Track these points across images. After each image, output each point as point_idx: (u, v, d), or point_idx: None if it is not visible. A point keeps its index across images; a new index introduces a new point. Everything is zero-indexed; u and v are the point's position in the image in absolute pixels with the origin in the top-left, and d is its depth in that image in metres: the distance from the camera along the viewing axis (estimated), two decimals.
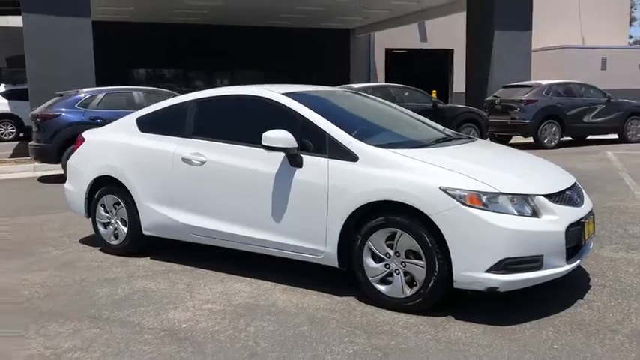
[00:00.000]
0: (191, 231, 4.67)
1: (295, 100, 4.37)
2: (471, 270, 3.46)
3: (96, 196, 5.31)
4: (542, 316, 3.61)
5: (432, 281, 3.59)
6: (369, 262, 3.83)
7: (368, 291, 3.86)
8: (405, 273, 3.71)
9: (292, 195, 4.08)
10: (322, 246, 4.00)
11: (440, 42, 27.38)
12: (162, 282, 4.46)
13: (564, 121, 14.09)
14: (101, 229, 5.33)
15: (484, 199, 3.49)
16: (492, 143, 5.46)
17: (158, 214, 4.83)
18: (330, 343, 3.31)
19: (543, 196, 3.64)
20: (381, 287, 3.80)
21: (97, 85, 12.09)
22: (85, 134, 5.60)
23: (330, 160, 3.97)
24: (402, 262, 3.71)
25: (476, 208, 3.46)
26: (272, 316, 3.72)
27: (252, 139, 4.36)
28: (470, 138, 4.90)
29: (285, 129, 4.12)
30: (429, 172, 3.67)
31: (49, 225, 6.54)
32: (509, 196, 3.54)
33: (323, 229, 3.96)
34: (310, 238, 4.04)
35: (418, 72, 27.29)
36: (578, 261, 3.81)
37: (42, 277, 4.64)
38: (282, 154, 4.13)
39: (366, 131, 4.26)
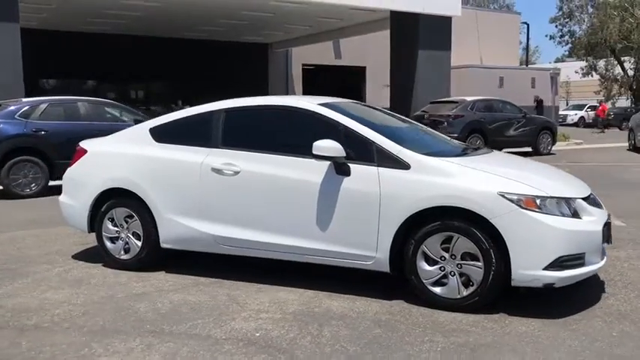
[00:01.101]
0: (221, 242, 4.62)
1: (332, 110, 4.49)
2: (530, 268, 3.74)
3: (102, 209, 5.08)
4: (581, 309, 3.96)
5: (490, 281, 3.83)
6: (422, 265, 4.01)
7: (422, 293, 4.04)
8: (461, 274, 3.93)
9: (340, 203, 4.18)
10: (372, 252, 4.12)
11: (353, 59, 28.28)
12: (199, 295, 4.38)
13: (487, 134, 15.09)
14: (108, 243, 5.11)
15: (538, 202, 3.80)
16: (508, 154, 5.82)
17: (181, 225, 4.73)
18: (413, 343, 3.44)
19: (581, 199, 4.01)
20: (436, 289, 3.99)
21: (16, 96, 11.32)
22: (85, 145, 5.35)
23: (379, 168, 4.11)
24: (458, 264, 3.92)
25: (532, 210, 3.76)
26: (338, 321, 3.80)
27: (291, 149, 4.43)
28: (482, 148, 5.23)
29: (327, 139, 4.22)
30: (482, 179, 3.93)
31: (23, 243, 6.13)
32: (557, 199, 3.87)
33: (374, 236, 4.09)
34: (359, 244, 4.16)
35: (333, 87, 27.90)
36: (606, 257, 4.21)
37: (63, 296, 4.39)
38: (327, 163, 4.23)
39: (404, 140, 4.44)
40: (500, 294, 3.93)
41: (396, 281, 4.32)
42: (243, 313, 3.98)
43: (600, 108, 33.01)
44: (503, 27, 33.71)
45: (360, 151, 4.21)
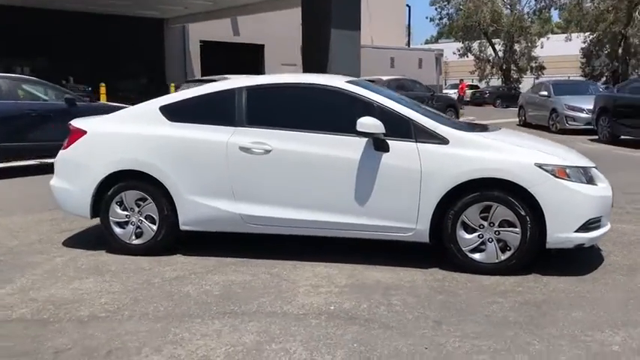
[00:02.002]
0: (249, 220, 4.60)
1: (363, 88, 4.61)
2: (564, 231, 4.15)
3: (109, 193, 4.83)
4: (595, 267, 4.45)
5: (526, 245, 4.19)
6: (462, 234, 4.29)
7: (461, 261, 4.32)
8: (498, 240, 4.26)
9: (380, 178, 4.34)
10: (413, 224, 4.34)
11: (251, 37, 28.03)
12: (239, 275, 4.35)
13: None
14: (116, 229, 4.87)
15: (568, 171, 4.21)
16: (515, 130, 6.22)
17: (204, 206, 4.64)
18: (480, 305, 3.72)
19: (594, 167, 4.49)
20: (475, 256, 4.30)
21: None
22: (83, 126, 5.01)
23: (418, 144, 4.31)
24: (496, 231, 4.25)
25: (564, 179, 4.16)
26: (397, 291, 3.98)
27: (324, 127, 4.50)
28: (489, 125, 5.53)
29: (360, 116, 4.35)
30: (519, 152, 4.28)
31: None
32: (580, 168, 4.31)
33: (415, 208, 4.31)
34: (400, 217, 4.35)
35: (232, 64, 27.51)
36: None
37: (95, 285, 4.17)
38: (364, 140, 4.36)
39: (433, 117, 4.65)
40: (535, 257, 4.30)
41: (409, 251, 4.57)
42: (300, 289, 4.03)
43: (460, 86, 35.43)
44: (391, 9, 34.95)
45: (397, 127, 4.37)
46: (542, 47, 43.02)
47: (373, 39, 33.25)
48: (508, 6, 43.43)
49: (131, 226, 4.86)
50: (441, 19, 45.93)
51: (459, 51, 45.07)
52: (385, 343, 3.17)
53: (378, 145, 4.33)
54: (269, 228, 4.64)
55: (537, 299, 3.81)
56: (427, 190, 4.26)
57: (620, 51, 38.59)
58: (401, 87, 16.27)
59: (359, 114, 4.38)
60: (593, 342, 3.17)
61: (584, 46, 41.61)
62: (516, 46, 43.00)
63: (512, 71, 43.64)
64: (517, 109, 20.28)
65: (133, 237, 4.86)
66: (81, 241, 5.36)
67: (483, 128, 4.97)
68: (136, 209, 4.83)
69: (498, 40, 44.07)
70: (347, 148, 4.40)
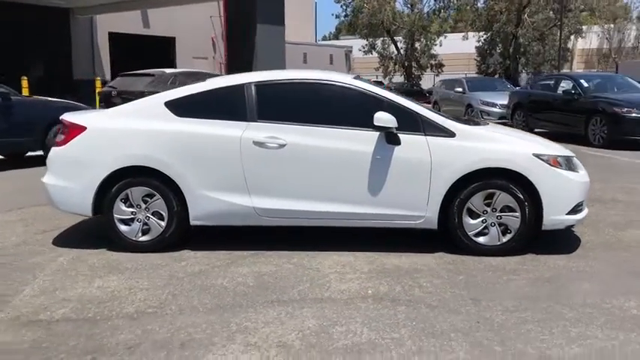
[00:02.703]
0: (263, 214, 4.71)
1: (370, 85, 4.86)
2: (557, 214, 4.63)
3: (113, 190, 4.75)
4: (577, 246, 4.98)
5: (525, 228, 4.64)
6: (467, 220, 4.67)
7: (466, 244, 4.69)
8: (500, 224, 4.67)
9: (393, 170, 4.61)
10: (423, 212, 4.65)
11: (162, 29, 27.32)
12: (262, 266, 4.46)
13: None
14: (122, 226, 4.80)
15: (559, 160, 4.69)
16: (501, 125, 6.64)
17: (216, 200, 4.69)
18: (500, 282, 4.10)
19: (574, 157, 5.02)
20: (479, 239, 4.69)
21: None
22: (80, 121, 4.87)
23: (427, 137, 4.63)
24: (498, 216, 4.66)
25: (556, 167, 4.64)
26: (419, 274, 4.27)
27: (337, 121, 4.71)
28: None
29: (370, 112, 4.61)
30: (518, 143, 4.72)
31: None
32: (566, 157, 4.81)
33: (425, 197, 4.62)
34: (411, 206, 4.65)
35: (142, 57, 26.67)
36: None
37: (121, 283, 4.12)
38: (376, 134, 4.62)
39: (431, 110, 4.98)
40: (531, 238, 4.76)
41: (409, 238, 4.90)
42: (330, 277, 4.22)
43: None
44: (300, 4, 35.31)
45: (407, 122, 4.65)
46: (440, 45, 45.20)
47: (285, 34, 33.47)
48: (409, 5, 45.20)
49: (137, 223, 4.80)
50: (346, 16, 46.99)
51: (364, 48, 46.34)
52: (439, 320, 3.44)
53: (391, 138, 4.60)
54: (283, 220, 4.77)
55: (545, 275, 4.25)
56: (437, 180, 4.59)
57: (511, 50, 41.39)
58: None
59: (369, 109, 4.63)
60: (613, 308, 3.62)
61: (478, 45, 44.24)
62: (417, 45, 44.89)
63: (413, 68, 45.50)
64: (431, 104, 21.32)
65: (140, 234, 4.81)
66: (71, 240, 5.22)
67: (476, 122, 5.38)
68: (143, 206, 4.78)
69: (401, 38, 45.81)
70: (360, 142, 4.63)
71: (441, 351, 3.06)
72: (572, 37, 42.28)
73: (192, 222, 4.78)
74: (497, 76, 42.67)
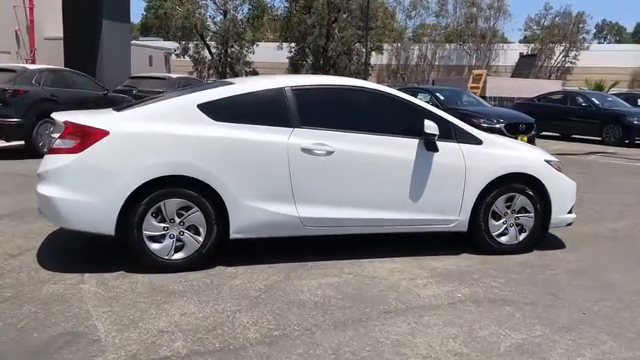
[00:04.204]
0: (308, 223, 4.54)
1: (403, 93, 4.99)
2: (561, 214, 5.21)
3: (144, 203, 4.20)
4: (561, 242, 5.64)
5: (537, 227, 5.15)
6: (492, 222, 5.03)
7: (490, 245, 5.03)
8: (517, 225, 5.12)
9: (432, 175, 4.78)
10: (456, 215, 4.90)
11: None
12: (326, 277, 4.30)
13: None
14: (152, 244, 4.26)
15: (559, 166, 5.29)
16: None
17: (261, 211, 4.41)
18: (547, 277, 4.50)
19: None
20: (501, 239, 5.08)
21: None
22: (100, 124, 4.19)
23: (460, 144, 4.90)
24: (516, 217, 5.10)
25: (559, 172, 5.23)
26: (477, 276, 4.49)
27: (378, 128, 4.76)
28: None
29: (408, 119, 4.79)
30: (531, 150, 5.21)
31: None
32: (560, 163, 5.44)
33: (459, 201, 4.88)
34: (446, 210, 4.87)
35: None
36: None
37: (193, 309, 3.68)
38: (416, 141, 4.76)
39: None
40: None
41: (420, 241, 5.16)
42: (402, 283, 4.24)
43: None
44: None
45: (441, 130, 4.83)
46: (253, 54, 45.94)
47: None
48: (222, 11, 45.14)
49: (169, 239, 4.29)
50: (157, 17, 45.28)
51: (175, 50, 45.09)
52: (553, 316, 3.69)
53: (430, 145, 4.76)
54: (328, 229, 4.65)
55: (570, 268, 4.77)
56: (470, 184, 4.86)
57: (321, 62, 43.69)
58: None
59: (407, 117, 4.77)
60: None
61: (290, 55, 45.88)
62: (232, 51, 45.04)
63: (227, 74, 45.51)
64: None
65: (172, 252, 4.30)
66: (71, 262, 4.48)
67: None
68: (177, 220, 4.29)
69: (214, 43, 45.54)
70: (402, 149, 4.72)
71: (592, 344, 3.31)
72: (372, 53, 45.96)
73: (233, 235, 4.41)
74: None
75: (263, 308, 3.67)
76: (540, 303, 3.92)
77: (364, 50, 41.29)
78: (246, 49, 45.58)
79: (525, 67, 39.46)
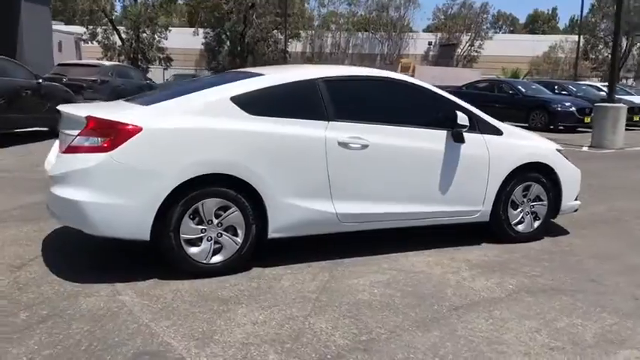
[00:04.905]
0: (344, 219, 4.40)
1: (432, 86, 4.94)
2: (570, 200, 5.38)
3: (181, 204, 3.89)
4: (564, 228, 5.84)
5: (549, 214, 5.29)
6: (511, 211, 5.10)
7: (508, 234, 5.10)
8: (532, 213, 5.23)
9: (460, 167, 4.77)
10: (480, 206, 4.93)
11: None
12: (370, 275, 4.18)
13: None
14: (189, 248, 3.97)
15: (566, 154, 5.45)
16: None
17: (300, 209, 4.22)
18: (574, 263, 4.63)
19: None
20: (519, 227, 5.16)
21: None
22: (131, 120, 3.82)
23: (483, 135, 4.92)
24: (531, 205, 5.20)
25: (567, 160, 5.39)
26: (516, 266, 4.49)
27: (409, 120, 4.69)
28: None
29: (436, 111, 4.76)
30: (543, 140, 5.32)
31: None
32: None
33: (483, 192, 4.91)
34: (471, 201, 4.88)
35: None
36: None
37: (273, 316, 3.46)
38: (445, 133, 4.74)
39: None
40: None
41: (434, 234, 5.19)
42: (449, 277, 4.20)
43: None
44: None
45: None
46: (167, 39, 44.40)
47: None
48: None
49: (207, 242, 4.00)
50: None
51: (82, 35, 42.74)
52: (606, 302, 3.78)
53: (458, 137, 4.74)
54: (363, 225, 4.52)
55: (589, 253, 4.93)
56: (493, 175, 4.90)
57: (239, 48, 42.98)
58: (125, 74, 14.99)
59: (434, 108, 4.74)
60: None
61: (205, 41, 44.76)
62: (144, 36, 43.28)
63: (139, 61, 43.73)
64: None
65: (210, 255, 4.02)
66: (89, 271, 4.08)
67: None
68: (215, 221, 4.01)
69: (123, 28, 43.56)
70: (433, 141, 4.67)
71: None
72: (290, 40, 45.80)
73: (271, 235, 4.19)
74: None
75: (332, 311, 3.50)
76: (589, 290, 4.01)
77: (282, 37, 41.08)
78: (158, 34, 43.95)
79: (446, 55, 40.78)
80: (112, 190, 3.72)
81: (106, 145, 3.72)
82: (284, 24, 38.53)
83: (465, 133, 4.76)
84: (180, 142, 3.87)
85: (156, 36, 43.90)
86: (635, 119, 18.37)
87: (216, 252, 4.03)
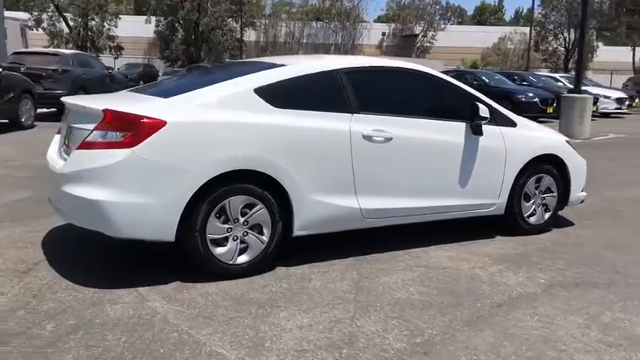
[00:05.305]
0: (368, 215, 4.27)
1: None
2: (577, 192, 5.39)
3: (207, 202, 3.66)
4: (566, 219, 5.88)
5: (559, 205, 5.31)
6: (524, 203, 5.08)
7: (521, 226, 5.08)
8: (543, 205, 5.23)
9: (479, 159, 4.70)
10: (496, 199, 4.89)
11: None
12: (400, 273, 4.07)
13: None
14: (215, 249, 3.76)
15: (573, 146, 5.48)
16: None
17: (325, 205, 4.06)
18: (597, 254, 4.65)
19: None
20: (531, 219, 5.15)
21: None
22: (154, 113, 3.56)
23: (500, 127, 4.86)
24: (542, 197, 5.20)
25: (575, 151, 5.41)
26: (537, 259, 4.45)
27: (428, 112, 4.61)
28: None
29: (456, 103, 4.69)
30: (552, 132, 5.31)
31: None
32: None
33: (499, 184, 4.86)
34: (488, 194, 4.83)
35: None
36: None
37: (320, 317, 3.31)
38: (463, 125, 4.66)
39: None
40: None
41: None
42: (477, 272, 4.13)
43: None
44: None
45: None
46: (117, 27, 43.08)
47: None
48: None
49: (233, 241, 3.80)
50: None
51: (27, 22, 40.89)
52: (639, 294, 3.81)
53: (477, 129, 4.67)
54: (386, 220, 4.41)
55: (599, 243, 4.95)
56: (509, 167, 4.86)
57: (193, 37, 42.04)
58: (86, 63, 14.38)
59: (456, 101, 4.68)
60: None
61: (157, 29, 43.60)
62: (92, 24, 41.83)
63: (89, 50, 42.22)
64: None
65: (236, 255, 3.83)
66: (104, 274, 3.83)
67: None
68: (241, 219, 3.81)
69: (70, 15, 41.98)
70: (453, 133, 4.59)
71: None
72: (246, 29, 45.15)
73: (296, 232, 4.02)
74: (180, 62, 42.85)
75: (376, 312, 3.37)
76: (618, 283, 4.01)
77: (237, 26, 40.46)
78: (108, 22, 42.57)
79: (407, 47, 41.05)
80: (136, 188, 3.47)
81: (127, 140, 3.46)
82: (239, 12, 37.90)
83: (484, 126, 4.69)
84: (207, 137, 3.64)
85: (105, 24, 42.46)
86: (592, 109, 18.86)
87: (241, 252, 3.83)
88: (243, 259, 3.83)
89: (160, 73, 36.92)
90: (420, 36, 56.39)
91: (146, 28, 43.53)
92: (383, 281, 3.88)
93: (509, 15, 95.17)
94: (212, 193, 3.64)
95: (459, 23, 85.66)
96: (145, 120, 3.49)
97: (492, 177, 4.78)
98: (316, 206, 4.00)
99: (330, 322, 3.22)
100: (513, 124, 4.93)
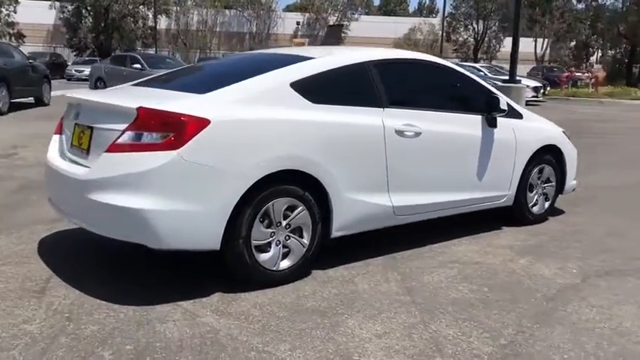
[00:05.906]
0: (399, 212, 4.16)
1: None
2: (572, 180, 5.54)
3: (252, 206, 3.41)
4: (560, 208, 6.04)
5: (556, 194, 5.44)
6: (528, 194, 5.16)
7: (525, 216, 5.15)
8: (543, 194, 5.33)
9: (494, 152, 4.69)
10: (506, 191, 4.92)
11: None
12: (440, 270, 3.99)
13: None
14: (259, 255, 3.52)
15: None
16: None
17: (361, 203, 3.91)
18: (606, 242, 4.80)
19: None
20: (534, 209, 5.23)
21: None
22: (195, 111, 3.24)
23: (509, 119, 4.89)
24: (543, 187, 5.30)
25: (569, 140, 5.56)
26: (546, 250, 4.57)
27: (450, 105, 4.57)
28: None
29: (472, 96, 4.69)
30: (550, 123, 5.42)
31: None
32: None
33: (509, 176, 4.90)
34: (500, 186, 4.85)
35: None
36: None
37: (381, 327, 3.17)
38: (480, 117, 4.65)
39: None
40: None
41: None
42: (510, 265, 4.13)
43: None
44: None
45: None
46: (15, 12, 40.22)
47: None
48: None
49: (275, 246, 3.57)
50: None
51: None
52: None
53: (492, 121, 4.66)
54: (415, 216, 4.31)
55: (602, 230, 5.11)
56: (519, 158, 4.91)
57: (103, 24, 39.96)
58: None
59: (474, 94, 4.67)
60: None
61: (62, 16, 41.10)
62: None
63: None
64: (92, 80, 19.36)
65: (279, 260, 3.60)
66: (134, 288, 3.49)
67: None
68: (284, 222, 3.58)
69: None
70: (472, 126, 4.56)
71: None
72: (159, 16, 43.51)
73: (335, 233, 3.84)
74: (89, 51, 40.64)
75: (444, 316, 3.26)
76: None
77: (149, 13, 38.96)
78: (6, 7, 39.61)
79: (333, 36, 41.05)
80: (180, 194, 3.15)
81: (169, 141, 3.13)
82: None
83: (497, 118, 4.69)
84: (251, 136, 3.37)
85: (3, 9, 39.50)
86: None
87: (283, 257, 3.60)
88: (285, 264, 3.60)
89: (69, 63, 34.85)
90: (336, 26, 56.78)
91: (48, 14, 40.86)
92: (427, 280, 3.78)
93: (412, 6, 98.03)
94: (257, 196, 3.37)
95: (367, 14, 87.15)
96: (188, 119, 3.17)
97: (505, 168, 4.80)
98: (353, 205, 3.83)
99: (403, 328, 3.08)
100: (520, 116, 4.97)
